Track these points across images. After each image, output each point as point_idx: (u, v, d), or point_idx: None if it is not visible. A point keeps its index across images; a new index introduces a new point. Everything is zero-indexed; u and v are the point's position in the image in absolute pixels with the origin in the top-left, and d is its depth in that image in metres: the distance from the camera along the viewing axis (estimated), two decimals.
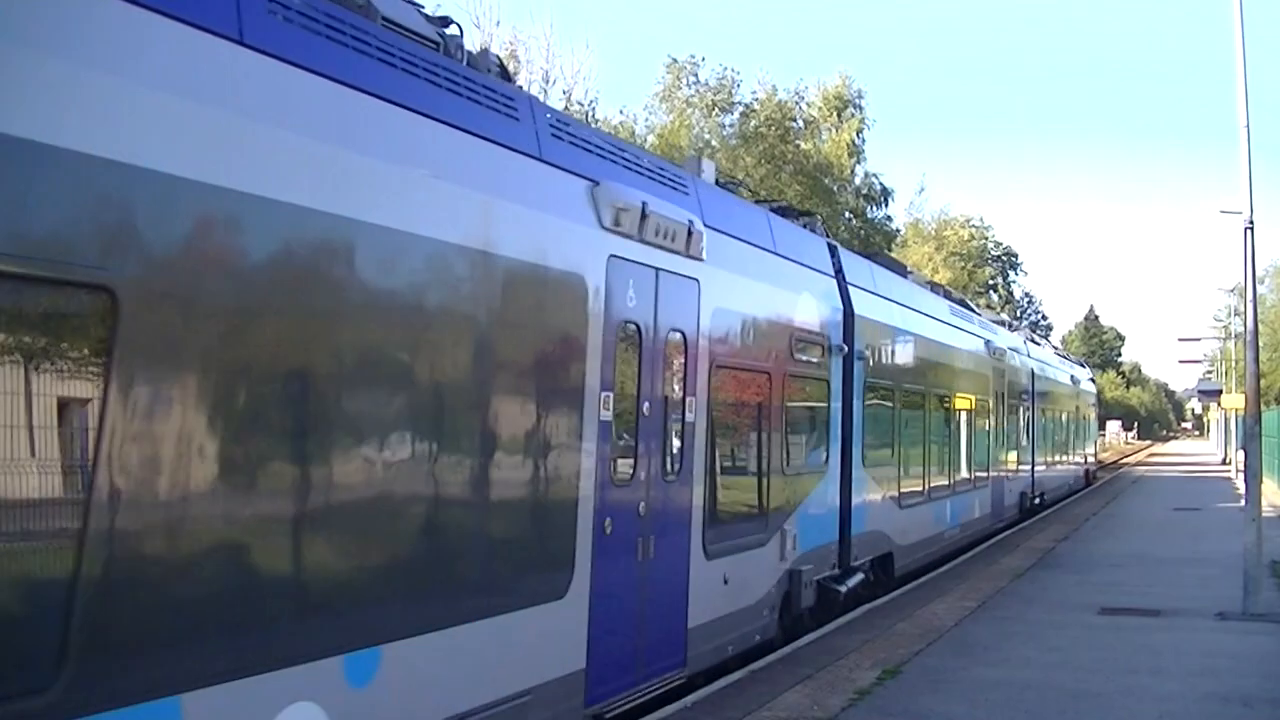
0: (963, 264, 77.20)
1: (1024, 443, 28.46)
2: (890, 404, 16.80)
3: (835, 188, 52.44)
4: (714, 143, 46.14)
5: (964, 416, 21.65)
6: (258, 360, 5.59)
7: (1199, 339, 63.83)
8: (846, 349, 14.23)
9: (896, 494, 16.79)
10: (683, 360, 9.90)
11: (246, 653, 5.42)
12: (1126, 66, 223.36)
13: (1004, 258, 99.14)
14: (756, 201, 15.66)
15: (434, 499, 6.81)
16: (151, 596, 4.94)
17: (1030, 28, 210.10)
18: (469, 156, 7.28)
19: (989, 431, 23.71)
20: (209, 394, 5.23)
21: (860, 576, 15.11)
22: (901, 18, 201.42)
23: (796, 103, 50.50)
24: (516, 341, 7.61)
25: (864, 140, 56.26)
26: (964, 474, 21.54)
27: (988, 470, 23.46)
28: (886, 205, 58.05)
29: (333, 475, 6.04)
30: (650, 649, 9.44)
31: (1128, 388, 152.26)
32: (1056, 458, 34.86)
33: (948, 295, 24.45)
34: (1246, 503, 14.78)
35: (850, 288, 14.79)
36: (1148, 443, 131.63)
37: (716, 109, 46.99)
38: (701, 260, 10.04)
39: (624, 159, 9.48)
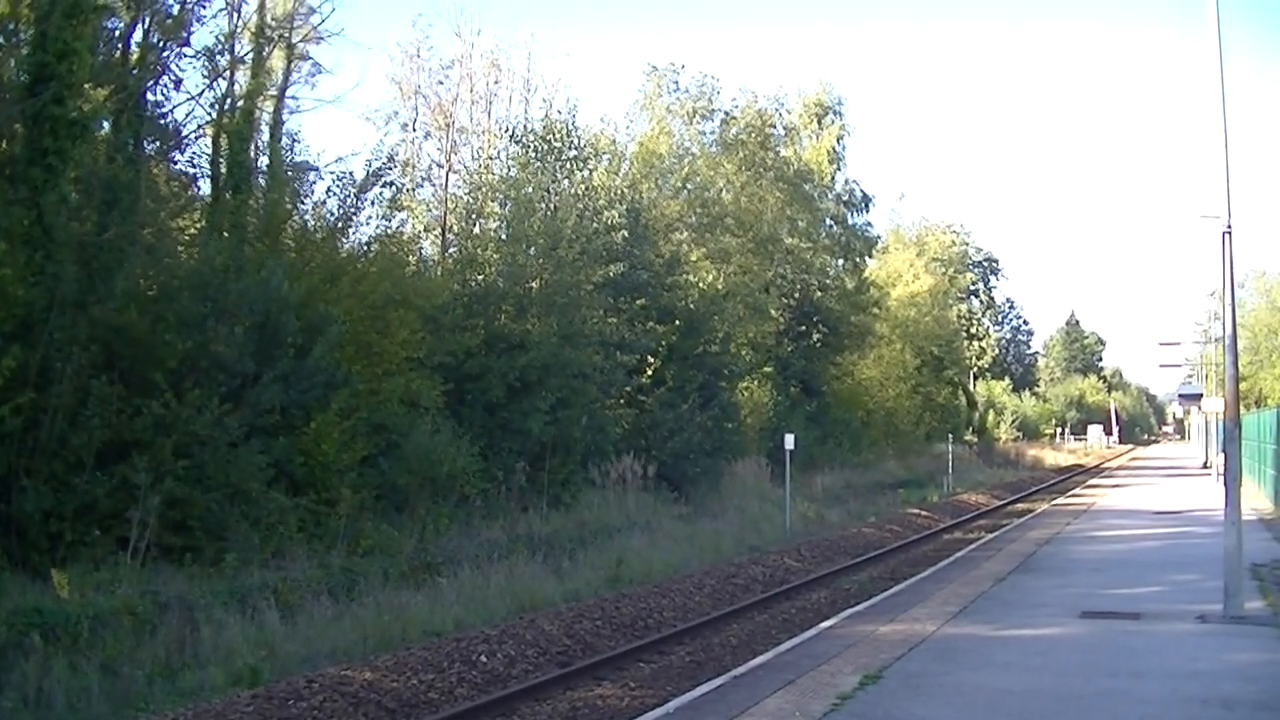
0: (944, 270, 77.43)
1: None
2: None
3: (816, 194, 52.59)
4: (694, 150, 46.19)
5: None
6: None
7: (1179, 343, 63.97)
8: None
9: None
10: None
11: None
12: (1106, 71, 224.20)
13: (985, 263, 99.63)
14: None
15: None
16: None
17: (1010, 32, 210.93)
18: None
19: None
20: None
21: None
22: (882, 24, 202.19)
23: (776, 110, 50.61)
24: None
25: (844, 147, 56.64)
26: None
27: None
28: (867, 211, 58.32)
29: None
30: None
31: (1109, 392, 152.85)
32: None
33: None
34: (1227, 505, 14.80)
35: None
36: (1129, 446, 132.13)
37: (697, 116, 47.02)
38: None
39: None
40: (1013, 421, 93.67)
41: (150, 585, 15.38)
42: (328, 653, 14.19)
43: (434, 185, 32.95)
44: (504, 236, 30.15)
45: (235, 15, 24.32)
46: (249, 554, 17.41)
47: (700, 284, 37.50)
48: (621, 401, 31.52)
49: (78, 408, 17.06)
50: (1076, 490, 47.92)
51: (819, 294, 50.79)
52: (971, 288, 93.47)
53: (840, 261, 55.03)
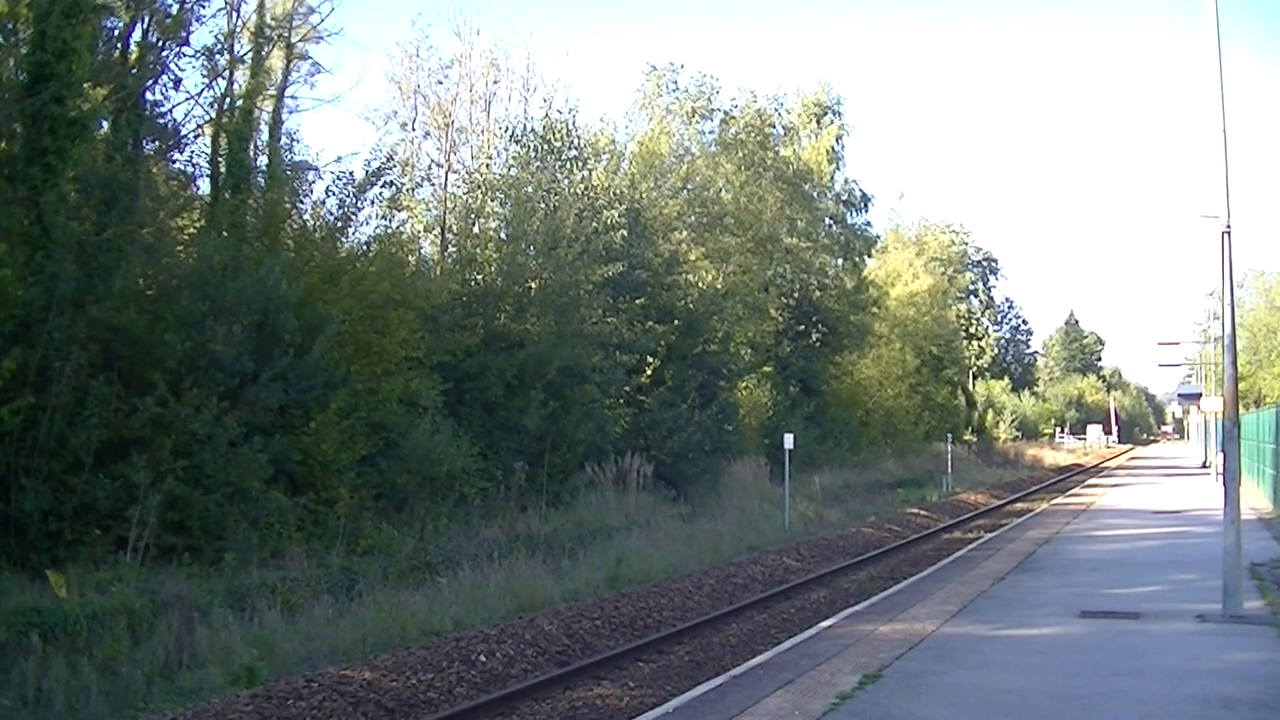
0: (943, 269, 77.43)
1: None
2: None
3: (815, 194, 52.61)
4: (693, 150, 46.17)
5: None
6: None
7: (1178, 343, 64.00)
8: None
9: None
10: None
11: None
12: (1105, 71, 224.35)
13: (984, 263, 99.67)
14: None
15: None
16: None
17: (1010, 32, 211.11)
18: None
19: None
20: None
21: None
22: (882, 25, 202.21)
23: (776, 110, 50.65)
24: None
25: (843, 147, 56.75)
26: None
27: None
28: (866, 211, 58.45)
29: None
30: None
31: (1108, 392, 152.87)
32: None
33: None
34: (1226, 505, 14.80)
35: None
36: (1128, 446, 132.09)
37: (696, 116, 47.05)
38: None
39: None
40: (1012, 421, 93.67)
41: (149, 585, 15.36)
42: (327, 652, 14.19)
43: (433, 185, 33.00)
44: (503, 236, 30.16)
45: (234, 15, 24.35)
46: (248, 553, 17.40)
47: (699, 283, 37.47)
48: (620, 401, 31.52)
49: (76, 407, 17.06)
50: (1076, 490, 47.92)
51: (818, 293, 50.82)
52: (971, 287, 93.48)
53: (839, 261, 55.06)
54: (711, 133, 47.71)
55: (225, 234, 21.94)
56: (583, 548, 22.53)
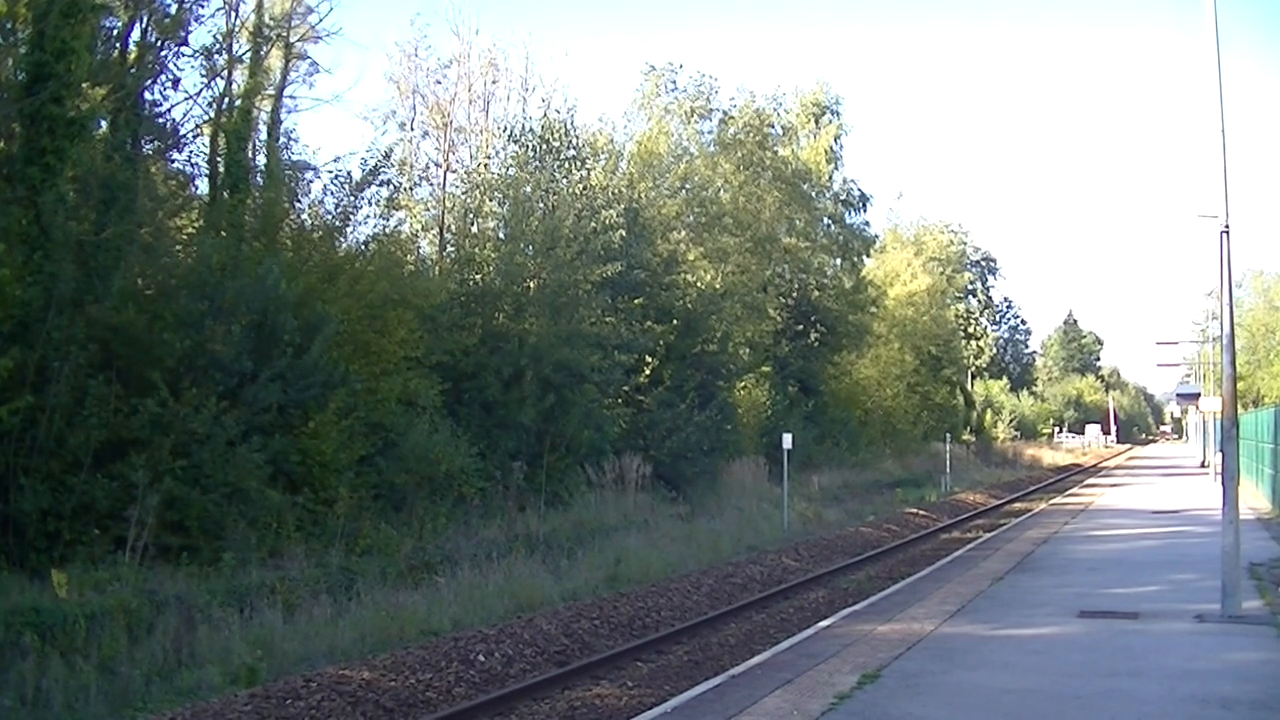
0: (942, 269, 77.43)
1: None
2: None
3: (813, 194, 52.61)
4: (692, 149, 46.16)
5: None
6: None
7: (1177, 343, 63.95)
8: None
9: None
10: None
11: None
12: (1104, 71, 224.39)
13: (983, 262, 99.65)
14: None
15: None
16: None
17: (1008, 32, 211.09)
18: None
19: None
20: None
21: None
22: (881, 25, 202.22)
23: (774, 109, 50.66)
24: None
25: (842, 146, 56.75)
26: None
27: None
28: (865, 211, 58.41)
29: None
30: None
31: (1107, 392, 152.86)
32: None
33: None
34: (1224, 504, 14.79)
35: None
36: (1127, 446, 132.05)
37: (695, 116, 47.04)
38: None
39: None
40: (1010, 421, 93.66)
41: (148, 585, 15.37)
42: (325, 652, 14.18)
43: (432, 184, 32.92)
44: (502, 236, 30.14)
45: (233, 14, 24.36)
46: (247, 553, 17.40)
47: (698, 283, 37.49)
48: (619, 401, 31.51)
49: (75, 407, 17.06)
50: (1074, 490, 47.92)
51: (817, 293, 50.82)
52: (969, 287, 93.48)
53: (838, 261, 55.05)
54: (710, 132, 47.74)
55: (224, 234, 21.94)
56: (581, 547, 22.53)
